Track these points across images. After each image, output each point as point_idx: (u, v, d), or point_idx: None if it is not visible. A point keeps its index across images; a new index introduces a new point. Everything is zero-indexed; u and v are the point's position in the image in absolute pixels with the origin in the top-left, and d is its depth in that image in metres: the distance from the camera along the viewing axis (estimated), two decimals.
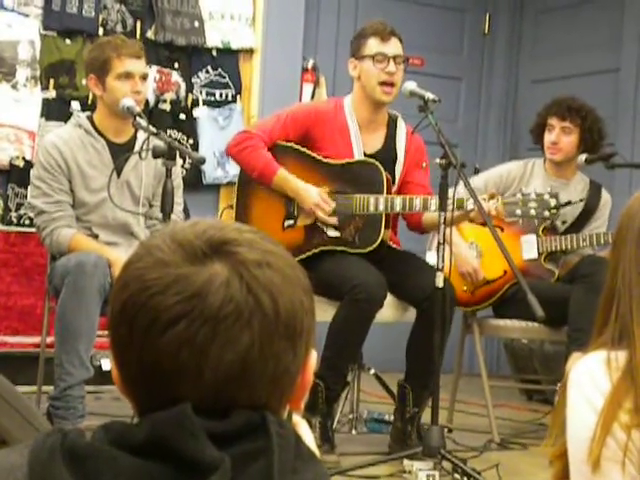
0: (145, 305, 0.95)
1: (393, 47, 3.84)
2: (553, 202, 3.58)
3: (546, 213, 3.61)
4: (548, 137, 4.36)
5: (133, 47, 3.72)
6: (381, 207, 3.76)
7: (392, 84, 3.81)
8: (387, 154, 3.92)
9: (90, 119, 3.79)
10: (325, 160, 3.87)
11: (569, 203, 3.92)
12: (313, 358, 1.03)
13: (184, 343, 0.94)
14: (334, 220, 3.83)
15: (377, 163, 3.83)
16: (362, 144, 3.90)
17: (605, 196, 4.46)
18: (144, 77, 3.72)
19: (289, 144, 3.89)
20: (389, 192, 3.81)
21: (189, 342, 0.94)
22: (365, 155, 3.89)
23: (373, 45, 3.84)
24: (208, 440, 0.92)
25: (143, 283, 0.96)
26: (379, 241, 3.79)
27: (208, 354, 0.94)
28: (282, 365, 0.97)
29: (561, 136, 4.32)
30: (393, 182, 3.90)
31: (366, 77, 3.85)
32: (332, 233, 3.85)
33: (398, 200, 3.75)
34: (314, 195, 3.81)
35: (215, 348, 0.94)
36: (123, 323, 0.97)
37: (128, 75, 3.66)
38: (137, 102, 3.63)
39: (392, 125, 3.98)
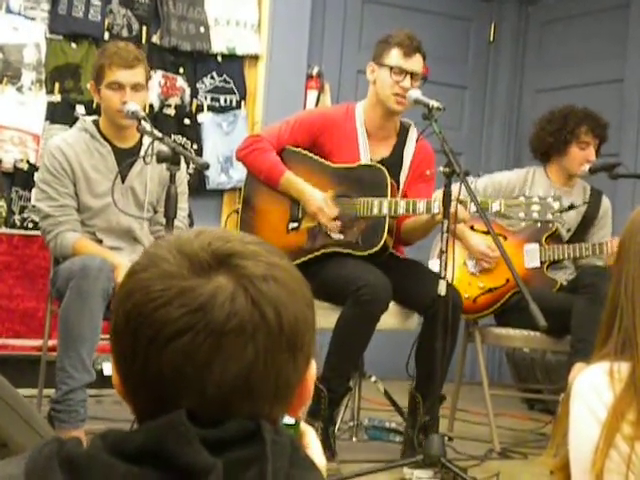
0: (150, 317, 0.95)
1: (414, 63, 3.82)
2: (556, 205, 3.57)
3: (549, 216, 3.58)
4: (581, 154, 4.31)
5: (126, 57, 3.64)
6: (385, 210, 3.76)
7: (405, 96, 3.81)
8: (393, 161, 3.91)
9: (96, 124, 3.79)
10: (331, 164, 3.88)
11: (572, 207, 3.89)
12: (313, 369, 1.03)
13: (188, 356, 0.94)
14: (335, 225, 3.82)
15: (382, 167, 3.83)
16: (369, 151, 3.90)
17: (605, 203, 4.45)
18: (137, 86, 3.64)
19: (296, 149, 3.90)
20: (393, 196, 3.81)
21: (193, 355, 0.94)
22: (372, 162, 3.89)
23: (395, 56, 3.82)
24: (202, 446, 0.92)
25: (148, 294, 0.95)
26: (382, 244, 3.78)
27: (212, 367, 0.94)
28: (283, 377, 0.97)
29: (593, 152, 4.33)
30: (397, 189, 3.91)
31: (381, 85, 3.85)
32: (336, 235, 3.85)
33: (402, 203, 3.75)
34: (319, 199, 3.82)
35: (219, 362, 0.94)
36: (127, 333, 0.96)
37: (117, 85, 3.64)
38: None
39: (403, 133, 3.98)
